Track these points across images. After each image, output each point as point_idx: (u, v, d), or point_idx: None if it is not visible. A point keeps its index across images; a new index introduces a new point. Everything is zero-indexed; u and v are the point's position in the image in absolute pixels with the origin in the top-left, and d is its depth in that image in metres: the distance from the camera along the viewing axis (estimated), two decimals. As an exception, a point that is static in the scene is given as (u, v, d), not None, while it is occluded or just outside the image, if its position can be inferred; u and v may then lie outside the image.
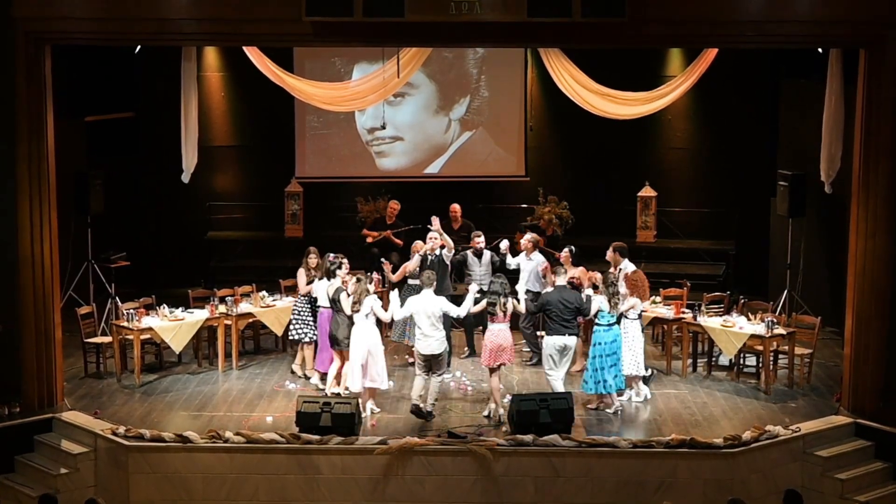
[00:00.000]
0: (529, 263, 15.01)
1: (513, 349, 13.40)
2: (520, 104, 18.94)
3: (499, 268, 15.14)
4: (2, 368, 13.32)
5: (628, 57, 17.47)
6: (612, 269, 14.34)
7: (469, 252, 15.24)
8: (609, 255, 14.60)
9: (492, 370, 13.22)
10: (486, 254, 15.28)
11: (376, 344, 13.32)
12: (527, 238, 15.22)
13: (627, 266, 14.44)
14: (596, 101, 16.53)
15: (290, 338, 14.81)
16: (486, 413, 13.27)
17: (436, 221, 14.92)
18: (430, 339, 13.06)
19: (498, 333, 13.21)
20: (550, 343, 13.29)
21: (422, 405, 12.99)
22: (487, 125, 19.06)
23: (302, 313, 14.62)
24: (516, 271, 15.09)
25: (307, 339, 14.54)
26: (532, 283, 14.84)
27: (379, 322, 13.63)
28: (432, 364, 13.13)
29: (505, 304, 13.23)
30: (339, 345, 13.64)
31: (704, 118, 18.76)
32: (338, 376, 13.75)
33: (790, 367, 14.31)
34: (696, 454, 12.20)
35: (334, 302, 13.71)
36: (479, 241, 15.31)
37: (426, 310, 13.09)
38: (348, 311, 13.42)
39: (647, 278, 14.80)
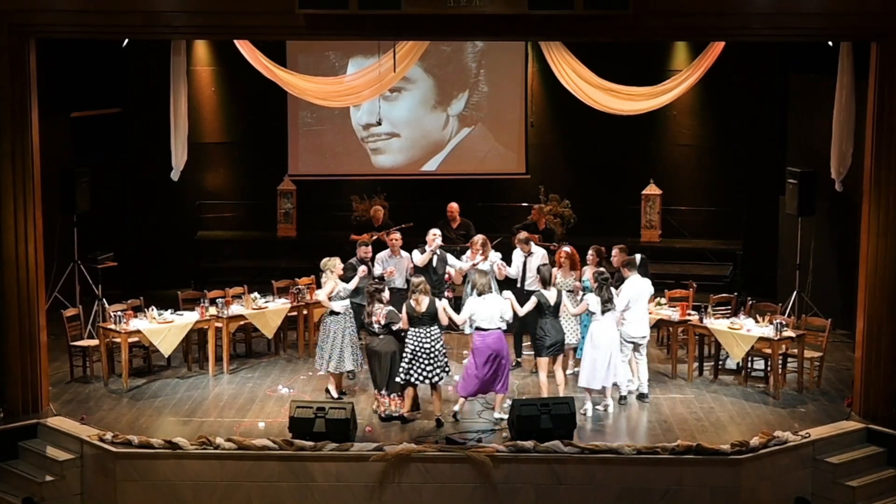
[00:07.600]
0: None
1: None
2: (520, 99, 18.88)
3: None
4: (-15, 373, 13.31)
5: (632, 51, 17.48)
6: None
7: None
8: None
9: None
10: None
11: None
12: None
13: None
14: (599, 96, 16.42)
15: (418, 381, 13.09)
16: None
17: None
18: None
19: None
20: None
21: None
22: (487, 121, 19.00)
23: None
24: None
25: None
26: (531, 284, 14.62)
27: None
28: None
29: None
30: None
31: (711, 114, 18.71)
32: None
33: (799, 370, 14.23)
34: (703, 461, 12.13)
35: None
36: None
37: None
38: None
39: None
